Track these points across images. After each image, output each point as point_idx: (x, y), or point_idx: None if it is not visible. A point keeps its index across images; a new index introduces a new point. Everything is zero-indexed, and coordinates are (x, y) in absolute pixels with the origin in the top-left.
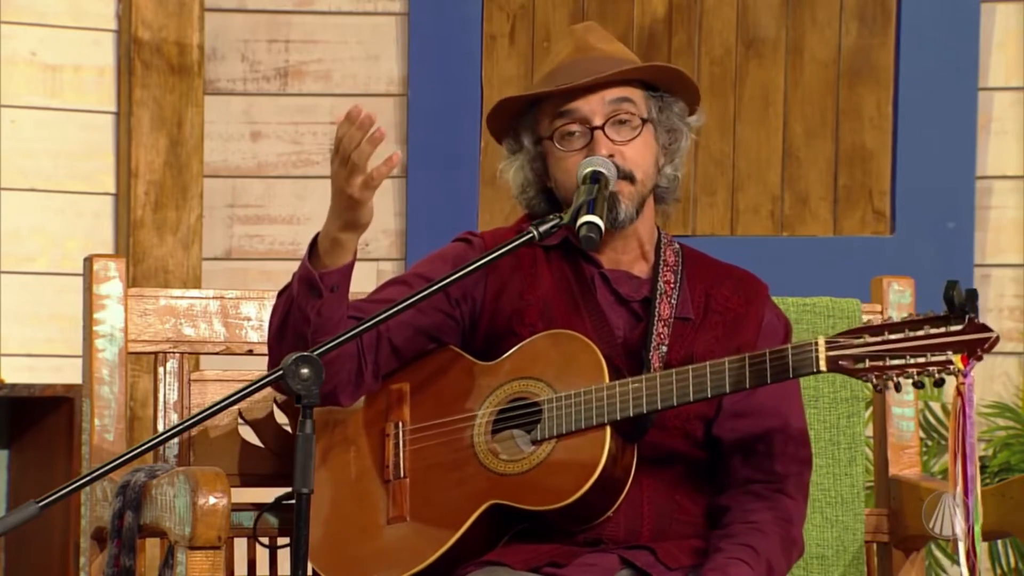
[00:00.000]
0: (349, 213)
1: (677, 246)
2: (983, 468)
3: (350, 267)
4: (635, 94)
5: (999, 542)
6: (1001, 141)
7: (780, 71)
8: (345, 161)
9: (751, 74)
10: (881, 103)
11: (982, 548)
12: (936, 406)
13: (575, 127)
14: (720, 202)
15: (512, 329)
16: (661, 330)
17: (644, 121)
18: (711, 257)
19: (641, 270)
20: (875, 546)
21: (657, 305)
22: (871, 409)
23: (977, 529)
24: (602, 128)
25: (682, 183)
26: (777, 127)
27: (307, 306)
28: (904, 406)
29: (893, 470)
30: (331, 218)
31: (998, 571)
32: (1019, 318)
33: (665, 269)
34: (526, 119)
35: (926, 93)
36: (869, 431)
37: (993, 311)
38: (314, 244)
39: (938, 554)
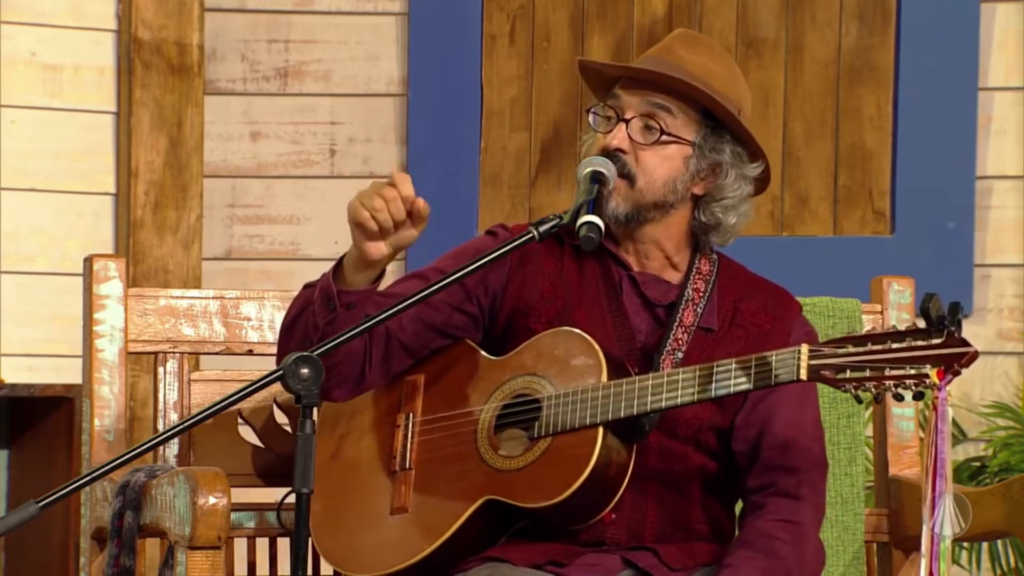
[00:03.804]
0: (358, 242)
1: (715, 256)
2: (983, 468)
3: (369, 293)
4: (681, 109)
5: (999, 542)
6: (1001, 141)
7: (780, 71)
8: (368, 205)
9: (751, 74)
10: (881, 103)
11: (983, 548)
12: None
13: (611, 113)
14: None
15: (529, 325)
16: (680, 336)
17: (672, 137)
18: (748, 270)
19: (672, 276)
20: (875, 546)
21: (680, 311)
22: (871, 409)
23: (943, 547)
24: (627, 122)
25: (735, 231)
26: (777, 127)
27: (319, 316)
28: (904, 406)
29: (893, 470)
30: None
31: (998, 571)
32: (1019, 318)
33: (696, 277)
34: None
35: (926, 93)
36: (869, 431)
37: (993, 311)
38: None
39: None
